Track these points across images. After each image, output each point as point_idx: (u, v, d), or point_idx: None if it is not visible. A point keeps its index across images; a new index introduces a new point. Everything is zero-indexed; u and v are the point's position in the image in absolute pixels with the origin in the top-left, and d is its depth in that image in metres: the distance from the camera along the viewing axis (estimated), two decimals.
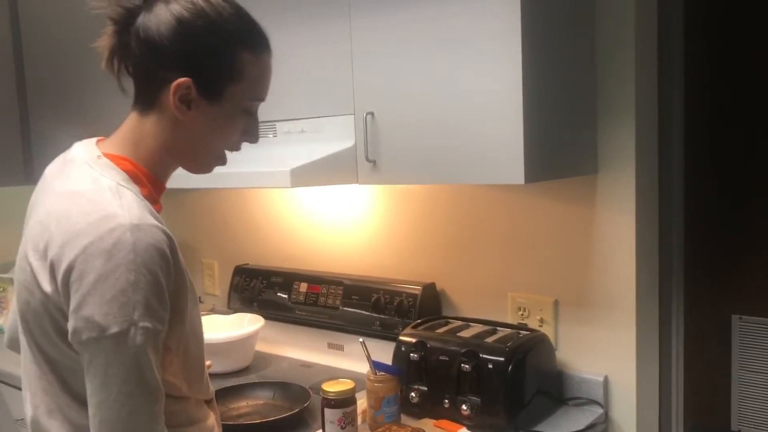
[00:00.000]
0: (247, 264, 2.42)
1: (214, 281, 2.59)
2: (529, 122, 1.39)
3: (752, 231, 1.77)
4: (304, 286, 2.20)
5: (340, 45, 1.65)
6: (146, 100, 1.05)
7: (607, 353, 1.70)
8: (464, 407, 1.55)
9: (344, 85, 1.66)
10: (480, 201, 1.87)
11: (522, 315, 1.81)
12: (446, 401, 1.59)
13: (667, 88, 1.73)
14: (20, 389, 1.11)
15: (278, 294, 2.26)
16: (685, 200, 1.80)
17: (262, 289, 2.29)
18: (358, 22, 1.62)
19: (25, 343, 1.07)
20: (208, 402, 1.19)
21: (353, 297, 2.06)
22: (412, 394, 1.63)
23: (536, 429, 1.57)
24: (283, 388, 1.82)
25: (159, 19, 1.00)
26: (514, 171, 1.40)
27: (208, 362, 1.23)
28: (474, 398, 1.55)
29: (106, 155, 1.05)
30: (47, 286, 0.95)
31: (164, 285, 0.95)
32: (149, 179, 1.08)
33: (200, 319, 1.12)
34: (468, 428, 1.55)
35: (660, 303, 1.77)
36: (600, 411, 1.67)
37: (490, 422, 1.54)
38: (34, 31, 2.63)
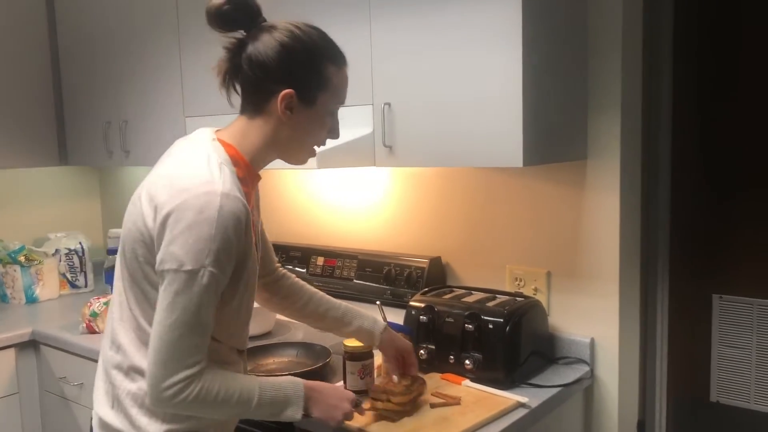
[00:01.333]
0: None
1: None
2: (528, 112, 1.60)
3: (734, 215, 1.88)
4: (320, 260, 2.41)
5: (361, 44, 1.86)
6: (255, 108, 1.31)
7: (594, 318, 1.91)
8: (467, 362, 1.77)
9: (364, 78, 1.87)
10: (482, 183, 2.08)
11: (518, 285, 2.03)
12: (451, 357, 1.81)
13: (654, 79, 1.93)
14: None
15: (296, 268, 2.47)
16: (671, 184, 1.96)
17: (282, 262, 2.50)
18: (377, 24, 1.82)
19: (118, 263, 1.34)
20: (240, 352, 1.43)
21: (366, 269, 2.28)
22: (422, 351, 1.85)
23: (530, 381, 1.79)
24: (306, 347, 2.03)
25: (266, 45, 1.27)
26: (514, 155, 1.61)
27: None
28: (476, 354, 1.77)
29: (219, 140, 1.32)
30: (150, 222, 1.22)
31: (234, 245, 1.20)
32: (246, 165, 1.32)
33: (255, 283, 1.36)
34: (470, 380, 1.77)
35: (643, 278, 1.99)
36: (586, 368, 1.90)
37: (490, 376, 1.75)
38: (68, 23, 2.81)
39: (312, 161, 1.76)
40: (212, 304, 1.20)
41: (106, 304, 2.36)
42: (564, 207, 1.93)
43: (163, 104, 2.45)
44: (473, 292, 1.99)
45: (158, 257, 1.20)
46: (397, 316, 1.97)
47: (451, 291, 2.01)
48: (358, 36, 1.86)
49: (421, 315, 1.86)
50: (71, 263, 2.95)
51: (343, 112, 1.91)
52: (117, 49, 2.59)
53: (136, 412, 1.29)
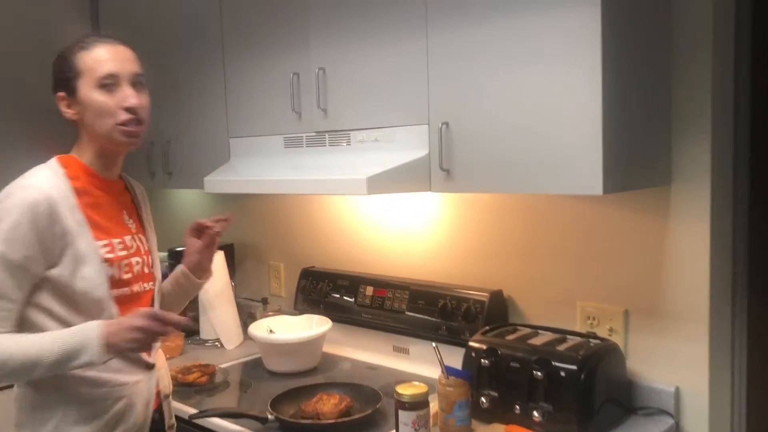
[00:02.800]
0: (314, 267, 2.48)
1: (280, 283, 2.65)
2: (608, 132, 1.41)
3: None
4: (370, 290, 2.25)
5: (416, 57, 1.70)
6: (67, 121, 1.48)
7: (679, 364, 1.69)
8: (536, 414, 1.57)
9: (420, 95, 1.70)
10: (549, 209, 1.88)
11: (591, 324, 1.82)
12: (517, 407, 1.61)
13: (743, 96, 1.72)
14: None
15: (344, 297, 2.31)
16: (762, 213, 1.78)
17: (329, 291, 2.35)
18: (434, 36, 1.66)
19: None
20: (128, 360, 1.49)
21: (419, 302, 2.10)
22: (483, 399, 1.66)
23: None
24: (354, 389, 1.87)
25: None
26: (592, 182, 1.41)
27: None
28: (545, 405, 1.57)
29: (58, 156, 1.49)
30: None
31: (25, 226, 1.32)
32: (81, 166, 1.47)
33: (91, 270, 1.40)
34: None
35: (736, 318, 1.76)
36: (670, 421, 1.67)
37: (561, 429, 1.55)
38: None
39: (361, 185, 1.61)
40: (7, 281, 1.33)
41: None
42: (644, 237, 1.72)
43: (206, 125, 2.35)
44: (540, 331, 1.79)
45: None
46: (453, 355, 1.79)
47: (515, 330, 1.81)
48: (414, 50, 1.70)
49: (483, 358, 1.67)
50: None
51: (394, 133, 1.78)
52: (161, 68, 2.50)
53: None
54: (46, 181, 1.39)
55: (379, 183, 1.64)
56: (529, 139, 1.51)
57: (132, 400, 1.48)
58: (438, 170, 1.67)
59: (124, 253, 1.49)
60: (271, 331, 2.21)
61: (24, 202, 1.34)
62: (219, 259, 2.45)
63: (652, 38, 1.58)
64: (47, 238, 1.35)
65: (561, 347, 1.65)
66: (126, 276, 1.49)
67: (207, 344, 2.47)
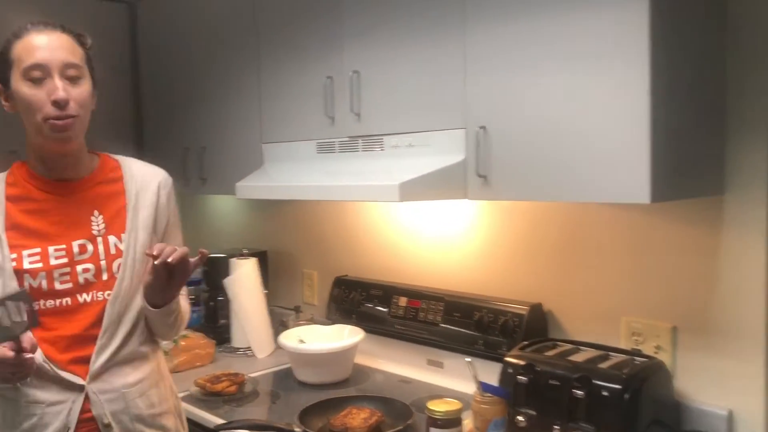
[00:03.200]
0: (347, 275, 2.43)
1: (313, 291, 2.61)
2: (656, 136, 1.32)
3: None
4: (403, 300, 2.18)
5: (453, 58, 1.63)
6: None
7: (731, 385, 1.58)
8: None
9: (456, 98, 1.64)
10: (593, 219, 1.79)
11: (636, 341, 1.72)
12: (556, 428, 1.52)
13: None
14: None
15: (377, 307, 2.25)
16: None
17: (361, 301, 2.29)
18: (472, 35, 1.59)
19: None
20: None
21: (454, 314, 2.02)
22: (519, 417, 1.57)
23: None
24: (385, 403, 1.80)
25: None
26: (639, 190, 1.33)
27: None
28: (586, 426, 1.48)
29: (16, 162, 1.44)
30: None
31: None
32: (24, 171, 1.42)
33: (4, 271, 1.33)
34: None
35: None
36: None
37: None
38: (150, 51, 2.76)
39: (393, 192, 1.55)
40: None
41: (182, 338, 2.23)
42: (694, 249, 1.62)
43: (240, 131, 2.32)
44: (582, 348, 1.70)
45: None
46: (489, 371, 1.71)
47: (555, 346, 1.72)
48: (451, 50, 1.64)
49: (520, 374, 1.59)
50: None
51: (428, 137, 1.71)
52: (197, 75, 2.50)
53: None
54: None
55: (413, 189, 1.57)
56: (571, 143, 1.43)
57: (42, 421, 1.35)
58: (474, 177, 1.60)
59: (62, 261, 1.37)
60: (301, 341, 2.16)
61: None
62: (252, 266, 2.42)
63: (703, 38, 1.49)
64: None
65: (604, 365, 1.56)
66: (63, 286, 1.36)
67: (238, 352, 2.44)
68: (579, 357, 1.62)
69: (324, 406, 1.80)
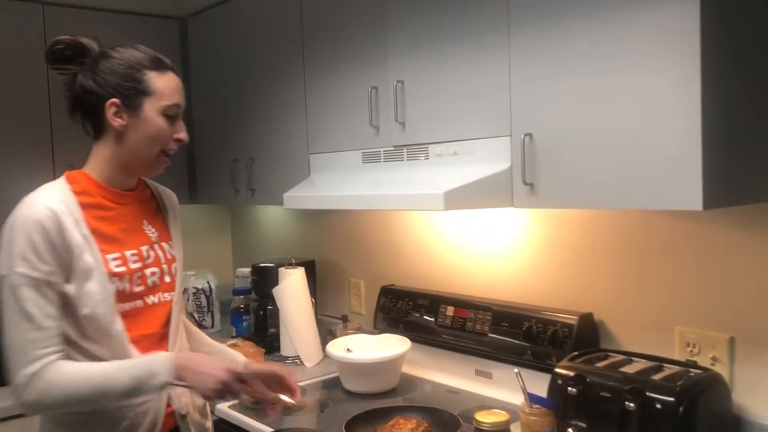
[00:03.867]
0: (393, 285, 2.43)
1: (361, 301, 2.62)
2: (708, 141, 1.28)
3: None
4: (450, 310, 2.17)
5: (497, 65, 1.62)
6: (96, 129, 1.44)
7: None
8: None
9: (501, 105, 1.62)
10: (644, 226, 1.75)
11: (691, 352, 1.66)
12: None
13: None
14: None
15: (424, 317, 2.24)
16: None
17: (408, 310, 2.28)
18: (517, 40, 1.58)
19: None
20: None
21: (503, 324, 2.00)
22: (569, 430, 1.54)
23: None
24: (432, 413, 1.79)
25: (92, 71, 1.41)
26: (691, 196, 1.29)
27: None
28: None
29: (68, 172, 1.46)
30: None
31: (41, 243, 1.30)
32: (94, 183, 1.44)
33: (96, 285, 1.36)
34: None
35: None
36: None
37: None
38: (199, 63, 2.82)
39: (438, 201, 1.55)
40: (38, 300, 1.29)
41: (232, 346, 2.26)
42: (752, 257, 1.56)
43: (287, 142, 2.35)
44: (634, 359, 1.65)
45: None
46: (538, 383, 1.68)
47: (606, 357, 1.68)
48: (495, 57, 1.63)
49: (570, 386, 1.55)
50: (199, 303, 2.91)
51: (473, 146, 1.70)
52: (245, 88, 2.55)
53: None
54: (49, 197, 1.36)
55: (457, 198, 1.56)
56: (620, 149, 1.40)
57: (136, 421, 1.41)
58: (521, 184, 1.58)
59: (137, 265, 1.45)
60: (348, 349, 2.16)
61: (31, 218, 1.31)
62: (300, 276, 2.44)
63: (757, 39, 1.44)
64: (60, 251, 1.32)
65: (657, 376, 1.51)
66: (138, 288, 1.44)
67: (287, 361, 2.46)
68: (631, 368, 1.58)
69: (371, 416, 1.80)
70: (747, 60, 1.39)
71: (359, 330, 2.43)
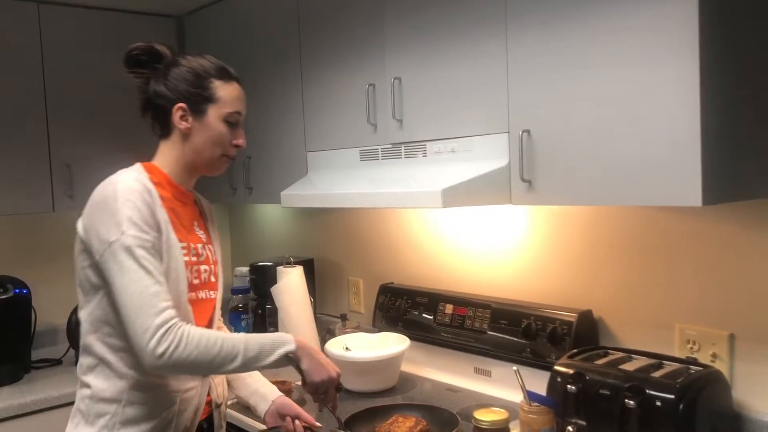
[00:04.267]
0: (392, 283, 2.42)
1: (359, 299, 2.61)
2: (708, 137, 1.27)
3: None
4: (449, 308, 2.16)
5: (495, 61, 1.61)
6: (164, 130, 1.54)
7: None
8: None
9: (498, 102, 1.61)
10: (643, 223, 1.74)
11: (691, 349, 1.65)
12: None
13: None
14: None
15: (423, 315, 2.23)
16: None
17: (407, 309, 2.28)
18: (514, 37, 1.57)
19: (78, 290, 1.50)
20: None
21: (501, 321, 1.99)
22: (569, 428, 1.53)
23: None
24: (431, 412, 1.78)
25: (164, 76, 1.52)
26: (690, 192, 1.28)
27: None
28: None
29: (142, 162, 1.53)
30: (80, 231, 1.42)
31: (141, 209, 1.36)
32: (166, 179, 1.52)
33: (177, 264, 1.43)
34: None
35: None
36: None
37: None
38: None
39: (436, 198, 1.54)
40: (150, 258, 1.35)
41: None
42: (752, 254, 1.55)
43: (285, 139, 2.34)
44: (634, 356, 1.64)
45: (93, 250, 1.37)
46: (537, 381, 1.67)
47: (606, 354, 1.67)
48: (492, 53, 1.62)
49: (569, 383, 1.54)
50: None
51: (471, 143, 1.69)
52: (242, 84, 2.53)
53: (78, 420, 1.45)
54: (136, 179, 1.43)
55: (455, 195, 1.55)
56: (618, 145, 1.39)
57: (183, 406, 1.48)
58: (519, 181, 1.57)
59: (195, 258, 1.52)
60: (347, 348, 2.15)
61: (133, 189, 1.38)
62: (298, 274, 2.44)
63: (756, 36, 1.43)
64: (157, 221, 1.40)
65: (657, 374, 1.50)
66: (195, 281, 1.51)
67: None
68: (631, 366, 1.57)
69: (370, 414, 1.79)
70: (746, 55, 1.38)
71: (358, 328, 2.42)
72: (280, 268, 2.46)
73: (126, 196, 1.36)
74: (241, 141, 1.55)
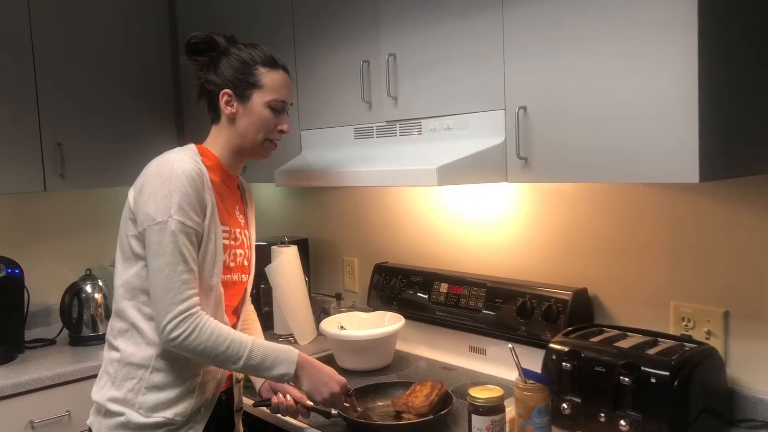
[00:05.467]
0: (387, 262, 2.41)
1: (354, 278, 2.60)
2: (706, 113, 1.26)
3: None
4: (444, 287, 2.16)
5: (491, 37, 1.59)
6: (214, 114, 1.62)
7: None
8: (623, 423, 1.44)
9: (495, 79, 1.60)
10: (639, 200, 1.73)
11: (686, 326, 1.66)
12: (602, 415, 1.48)
13: None
14: None
15: (418, 294, 2.23)
16: None
17: (402, 288, 2.27)
18: (511, 11, 1.55)
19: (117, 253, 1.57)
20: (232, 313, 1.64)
21: (496, 300, 1.99)
22: (564, 405, 1.54)
23: None
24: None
25: (215, 63, 1.60)
26: (687, 169, 1.27)
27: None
28: (634, 414, 1.43)
29: (196, 145, 1.60)
30: (131, 202, 1.51)
31: (193, 196, 1.44)
32: (216, 161, 1.59)
33: (216, 246, 1.50)
34: None
35: None
36: None
37: None
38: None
39: (431, 176, 1.53)
40: (188, 246, 1.43)
41: None
42: (748, 231, 1.55)
43: None
44: (629, 334, 1.65)
45: (138, 221, 1.46)
46: (532, 359, 1.68)
47: (601, 332, 1.67)
48: (488, 28, 1.60)
49: (564, 361, 1.55)
50: None
51: (467, 120, 1.68)
52: None
53: (105, 382, 1.53)
54: (192, 160, 1.49)
55: (451, 173, 1.54)
56: (616, 122, 1.38)
57: (206, 378, 1.55)
58: (515, 159, 1.56)
59: (233, 242, 1.59)
60: (342, 327, 2.15)
61: (185, 173, 1.44)
62: (293, 254, 2.43)
63: (756, 13, 1.41)
64: (203, 207, 1.47)
65: (652, 351, 1.51)
66: (231, 264, 1.59)
67: (280, 339, 2.45)
68: (626, 343, 1.57)
69: (364, 391, 1.79)
70: (746, 31, 1.37)
71: (353, 308, 2.42)
72: (274, 248, 2.45)
73: (180, 180, 1.43)
74: (285, 126, 1.60)
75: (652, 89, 1.31)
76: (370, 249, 2.52)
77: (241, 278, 1.64)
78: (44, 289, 2.79)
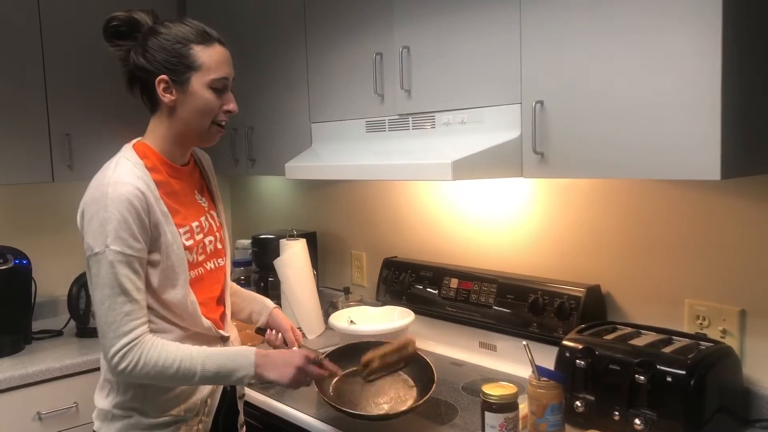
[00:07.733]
0: (396, 257, 2.40)
1: (362, 273, 2.59)
2: (729, 109, 1.24)
3: None
4: (454, 282, 2.14)
5: (508, 29, 1.57)
6: (152, 104, 1.48)
7: None
8: (638, 422, 1.42)
9: (511, 72, 1.57)
10: (656, 197, 1.71)
11: (701, 325, 1.64)
12: (616, 414, 1.47)
13: None
14: None
15: (428, 289, 2.21)
16: None
17: (411, 282, 2.26)
18: (528, 3, 1.52)
19: None
20: (223, 339, 1.56)
21: (508, 296, 1.97)
22: (578, 403, 1.53)
23: None
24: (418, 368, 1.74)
25: (142, 48, 1.44)
26: (709, 165, 1.25)
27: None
28: (649, 413, 1.42)
29: (133, 142, 1.49)
30: (79, 226, 1.42)
31: (132, 222, 1.35)
32: (156, 156, 1.47)
33: (176, 258, 1.43)
34: None
35: None
36: None
37: None
38: None
39: (446, 171, 1.51)
40: (129, 275, 1.36)
41: None
42: (764, 229, 1.53)
43: (289, 110, 2.30)
44: (643, 332, 1.63)
45: (84, 246, 1.39)
46: (545, 355, 1.66)
47: (615, 329, 1.66)
48: (505, 21, 1.58)
49: (578, 358, 1.53)
50: None
51: (482, 114, 1.66)
52: (244, 54, 2.48)
53: (108, 390, 1.49)
54: (132, 175, 1.39)
55: (466, 168, 1.52)
56: (635, 117, 1.36)
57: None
58: (531, 154, 1.54)
59: (200, 236, 1.51)
60: (351, 321, 2.14)
61: (121, 198, 1.35)
62: (301, 247, 2.41)
63: None
64: (148, 228, 1.39)
65: (667, 349, 1.49)
66: (200, 257, 1.51)
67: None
68: (640, 341, 1.56)
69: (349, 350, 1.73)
70: (766, 30, 1.34)
71: (361, 302, 2.40)
72: (282, 241, 2.43)
73: (116, 206, 1.34)
74: (231, 106, 1.48)
75: (674, 84, 1.29)
76: (378, 243, 2.51)
77: (218, 263, 1.57)
78: (52, 280, 2.78)
